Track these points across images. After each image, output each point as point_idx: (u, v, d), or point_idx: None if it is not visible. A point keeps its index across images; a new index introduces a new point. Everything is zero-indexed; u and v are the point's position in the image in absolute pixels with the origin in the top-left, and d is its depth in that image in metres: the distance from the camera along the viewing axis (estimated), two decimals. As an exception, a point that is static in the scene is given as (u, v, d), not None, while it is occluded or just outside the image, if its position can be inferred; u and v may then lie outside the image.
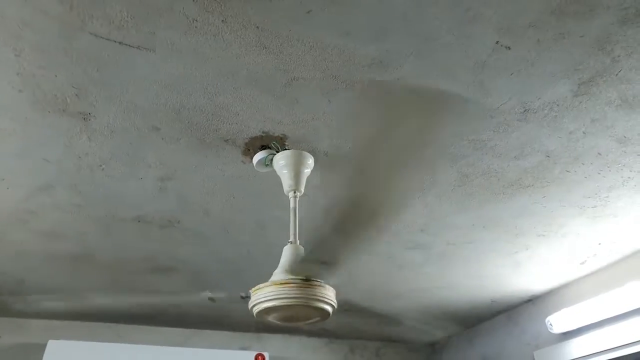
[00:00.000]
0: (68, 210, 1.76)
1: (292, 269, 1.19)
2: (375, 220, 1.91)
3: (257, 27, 1.10)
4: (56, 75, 1.20)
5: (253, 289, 1.16)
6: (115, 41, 1.12)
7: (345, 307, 2.64)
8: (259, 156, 1.45)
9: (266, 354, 2.84)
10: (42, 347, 2.49)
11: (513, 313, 2.86)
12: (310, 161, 1.46)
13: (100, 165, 1.54)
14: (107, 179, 1.61)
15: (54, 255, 2.06)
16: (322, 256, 1.18)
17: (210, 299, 2.19)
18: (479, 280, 2.46)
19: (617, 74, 1.23)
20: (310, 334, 3.20)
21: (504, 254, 2.19)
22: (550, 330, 2.51)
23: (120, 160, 1.52)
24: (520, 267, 2.32)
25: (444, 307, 2.82)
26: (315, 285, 1.13)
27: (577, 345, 2.41)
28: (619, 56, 1.18)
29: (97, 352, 2.54)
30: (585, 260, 2.28)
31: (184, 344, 2.89)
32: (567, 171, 1.62)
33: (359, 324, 3.06)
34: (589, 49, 1.16)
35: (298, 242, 1.33)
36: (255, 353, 2.83)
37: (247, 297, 2.28)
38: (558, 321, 2.47)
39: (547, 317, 2.54)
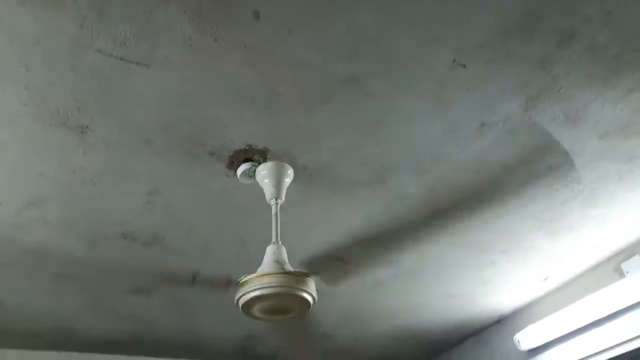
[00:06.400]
0: (56, 226, 1.82)
1: (275, 264, 1.29)
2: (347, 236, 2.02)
3: (245, 46, 1.25)
4: (61, 90, 1.32)
5: (240, 281, 1.26)
6: (117, 57, 1.25)
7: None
8: (243, 167, 1.57)
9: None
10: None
11: (482, 335, 2.96)
12: (290, 171, 1.59)
13: (92, 180, 1.63)
14: (97, 193, 1.68)
15: (37, 275, 2.09)
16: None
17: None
18: (448, 299, 2.55)
19: (558, 91, 1.41)
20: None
21: (471, 270, 2.30)
22: (519, 348, 2.60)
23: (112, 174, 1.61)
24: (487, 284, 2.43)
25: (414, 331, 2.87)
26: (297, 275, 1.23)
27: (545, 361, 2.51)
28: (558, 75, 1.36)
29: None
30: (548, 277, 2.40)
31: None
32: (525, 184, 1.78)
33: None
34: (533, 68, 1.34)
35: (280, 243, 1.43)
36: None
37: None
38: (525, 338, 2.57)
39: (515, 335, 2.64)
